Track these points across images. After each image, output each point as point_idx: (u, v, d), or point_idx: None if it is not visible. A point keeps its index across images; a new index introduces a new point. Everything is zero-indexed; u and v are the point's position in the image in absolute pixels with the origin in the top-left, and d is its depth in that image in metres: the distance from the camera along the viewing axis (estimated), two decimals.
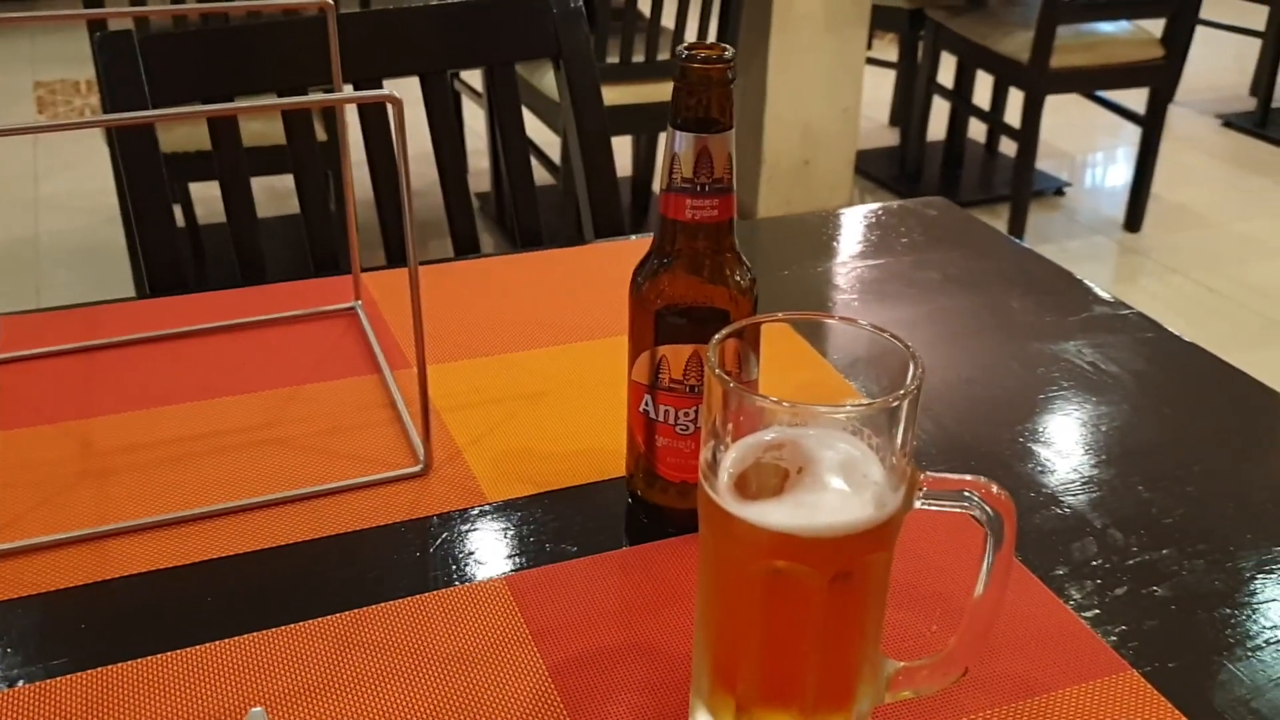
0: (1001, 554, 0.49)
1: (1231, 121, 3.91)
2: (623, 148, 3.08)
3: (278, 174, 2.06)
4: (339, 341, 0.87)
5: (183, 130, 1.96)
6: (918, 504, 0.49)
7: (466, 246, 1.18)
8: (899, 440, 0.47)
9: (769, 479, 0.49)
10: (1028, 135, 2.88)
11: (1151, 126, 2.99)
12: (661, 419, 0.65)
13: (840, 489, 0.48)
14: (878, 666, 0.52)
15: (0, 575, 0.64)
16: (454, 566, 0.66)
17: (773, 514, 0.48)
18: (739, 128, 0.62)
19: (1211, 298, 2.81)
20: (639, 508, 0.70)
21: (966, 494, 0.48)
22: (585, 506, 0.71)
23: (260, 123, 1.95)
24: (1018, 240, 1.10)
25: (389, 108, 0.64)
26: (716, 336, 0.49)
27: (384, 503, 0.70)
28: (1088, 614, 0.63)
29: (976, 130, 3.51)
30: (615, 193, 1.20)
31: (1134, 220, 3.12)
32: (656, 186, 3.02)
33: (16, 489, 0.71)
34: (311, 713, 0.56)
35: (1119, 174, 3.58)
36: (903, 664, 0.53)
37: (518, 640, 0.60)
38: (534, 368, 0.85)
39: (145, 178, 1.03)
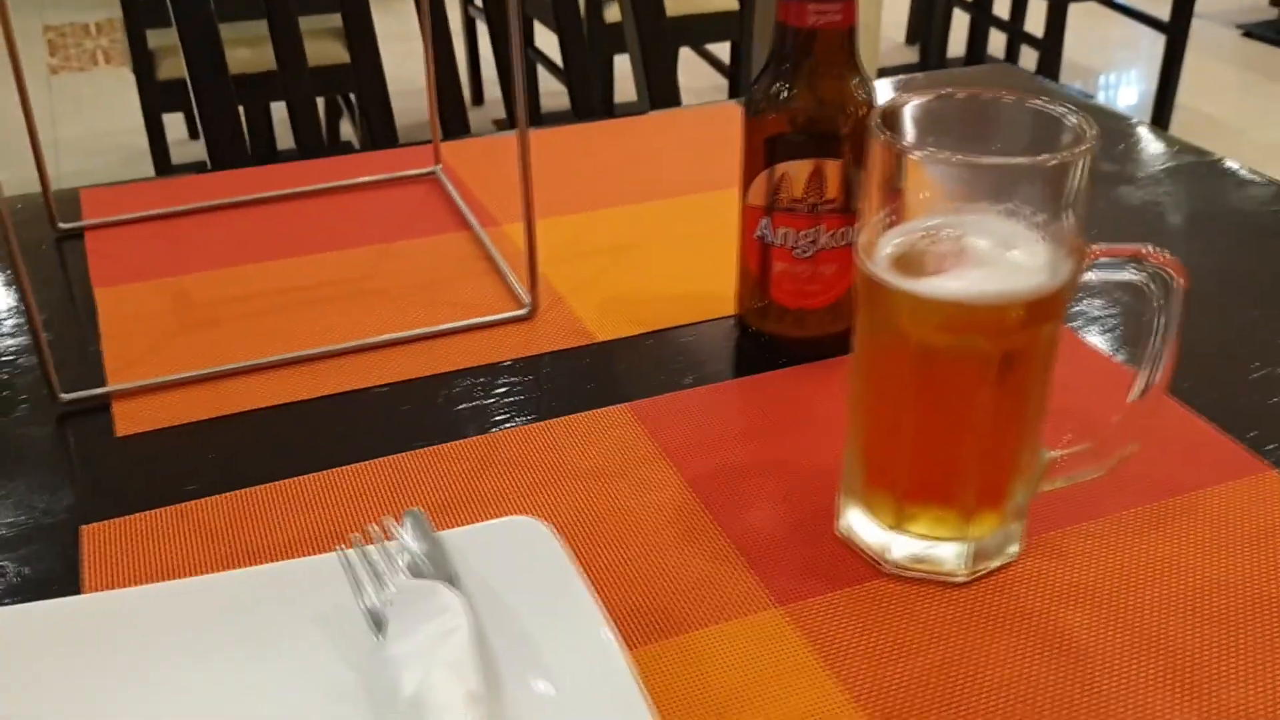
0: (1176, 321, 0.48)
1: (1252, 31, 3.86)
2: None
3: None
4: (424, 203, 0.86)
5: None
6: (1088, 275, 0.48)
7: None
8: (1069, 211, 0.46)
9: (933, 258, 0.48)
10: (1050, 46, 2.85)
11: (1176, 33, 2.95)
12: (780, 242, 0.64)
13: (1009, 261, 0.47)
14: (1037, 455, 0.52)
15: (121, 412, 0.63)
16: (572, 398, 0.65)
17: (942, 286, 0.47)
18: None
19: None
20: (752, 339, 0.69)
21: (1137, 262, 0.47)
22: (695, 342, 0.70)
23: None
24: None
25: None
26: (884, 103, 0.48)
27: (494, 344, 0.70)
28: (1218, 421, 0.62)
29: (996, 45, 3.47)
30: (673, 65, 1.18)
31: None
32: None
33: (123, 339, 0.70)
34: (460, 519, 0.55)
35: (1140, 86, 3.54)
36: (1061, 451, 0.52)
37: (650, 457, 0.60)
38: (627, 223, 0.84)
39: (208, 67, 1.02)
